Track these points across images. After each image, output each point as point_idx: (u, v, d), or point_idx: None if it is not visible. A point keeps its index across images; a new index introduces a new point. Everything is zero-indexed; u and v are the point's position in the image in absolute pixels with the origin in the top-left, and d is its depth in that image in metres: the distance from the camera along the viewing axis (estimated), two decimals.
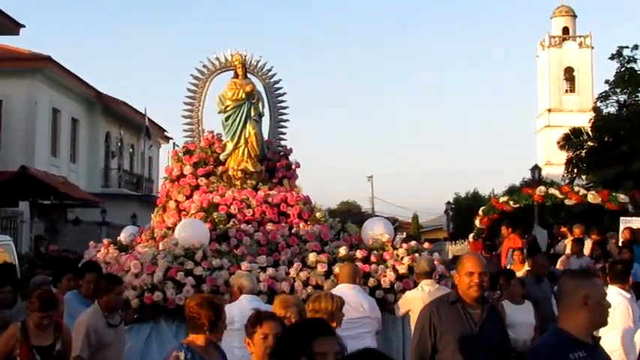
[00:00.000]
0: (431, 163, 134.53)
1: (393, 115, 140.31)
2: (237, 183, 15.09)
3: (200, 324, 6.89)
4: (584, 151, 39.15)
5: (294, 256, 13.03)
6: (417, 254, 13.27)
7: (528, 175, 41.21)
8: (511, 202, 24.25)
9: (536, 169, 39.11)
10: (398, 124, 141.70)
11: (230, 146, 15.38)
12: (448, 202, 56.07)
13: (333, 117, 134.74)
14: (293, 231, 13.63)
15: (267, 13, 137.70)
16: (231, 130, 15.37)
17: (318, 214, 14.46)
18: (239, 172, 15.23)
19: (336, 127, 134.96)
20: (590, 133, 38.79)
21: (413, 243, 13.89)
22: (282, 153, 16.40)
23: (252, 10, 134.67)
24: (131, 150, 50.93)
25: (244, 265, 11.95)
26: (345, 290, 10.36)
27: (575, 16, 76.90)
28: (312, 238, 13.33)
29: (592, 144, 38.83)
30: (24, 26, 30.94)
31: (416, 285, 11.83)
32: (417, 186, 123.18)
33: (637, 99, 38.07)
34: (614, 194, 22.92)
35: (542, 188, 24.64)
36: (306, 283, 12.37)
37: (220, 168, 15.51)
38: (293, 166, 16.27)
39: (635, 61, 37.87)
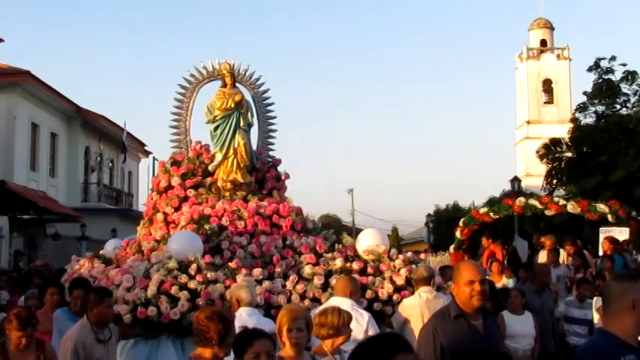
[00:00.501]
0: (411, 175, 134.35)
1: (373, 128, 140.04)
2: (227, 194, 14.59)
3: (208, 337, 6.54)
4: (563, 162, 38.90)
5: (288, 269, 12.54)
6: (413, 265, 12.78)
7: (508, 187, 41.06)
8: (491, 213, 24.20)
9: (515, 180, 38.92)
10: (378, 136, 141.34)
11: (219, 157, 14.90)
12: (428, 214, 55.70)
13: (314, 130, 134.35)
14: (287, 243, 13.09)
15: (249, 28, 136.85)
16: (220, 140, 14.90)
17: (311, 226, 13.97)
18: (228, 184, 14.75)
19: (316, 140, 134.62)
20: (568, 143, 38.50)
21: (409, 254, 13.45)
22: (270, 164, 15.91)
23: (234, 25, 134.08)
24: (111, 164, 50.31)
25: (240, 278, 11.41)
26: (338, 304, 9.93)
27: (552, 29, 77.06)
28: (307, 250, 12.82)
29: (571, 155, 38.66)
30: (2, 40, 30.43)
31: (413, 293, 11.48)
32: (398, 198, 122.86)
33: (615, 110, 38.14)
34: (593, 204, 22.83)
35: (522, 199, 24.51)
36: (303, 296, 11.87)
37: (209, 179, 14.98)
38: (282, 177, 15.77)
39: (612, 72, 37.94)
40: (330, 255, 12.87)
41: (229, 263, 12.02)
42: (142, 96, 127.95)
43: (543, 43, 75.73)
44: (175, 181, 14.65)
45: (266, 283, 11.67)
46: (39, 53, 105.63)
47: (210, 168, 15.03)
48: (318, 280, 11.97)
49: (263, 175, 15.61)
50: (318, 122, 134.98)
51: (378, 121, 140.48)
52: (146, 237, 14.44)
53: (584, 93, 39.13)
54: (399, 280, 12.37)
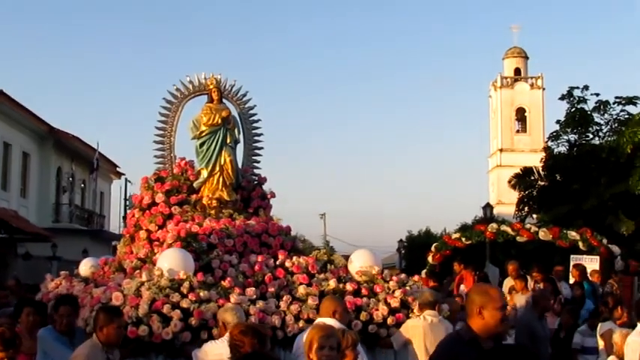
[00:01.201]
0: (383, 201, 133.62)
1: (346, 153, 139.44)
2: (212, 212, 13.97)
3: (244, 352, 6.42)
4: (535, 190, 38.61)
5: (281, 289, 11.88)
6: (407, 287, 12.22)
7: (480, 214, 40.72)
8: (463, 239, 23.88)
9: (487, 207, 38.74)
10: (351, 162, 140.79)
11: (205, 174, 14.26)
12: (400, 240, 55.30)
13: (286, 154, 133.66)
14: (277, 262, 12.43)
15: (224, 45, 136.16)
16: (206, 156, 14.29)
17: (301, 246, 13.34)
18: (214, 201, 14.13)
19: (289, 163, 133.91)
20: (541, 172, 38.21)
21: (402, 276, 12.87)
22: (256, 182, 15.30)
23: (209, 45, 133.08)
24: (82, 185, 49.38)
25: (233, 297, 10.75)
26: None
27: (526, 58, 77.44)
28: (299, 270, 12.17)
29: (543, 183, 38.34)
30: None
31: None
32: (370, 224, 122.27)
33: (587, 139, 37.91)
34: (564, 232, 22.56)
35: (494, 225, 24.20)
36: (297, 317, 11.21)
37: (194, 196, 14.35)
38: (268, 196, 15.17)
39: (585, 101, 37.72)
40: (322, 275, 12.27)
41: (222, 282, 11.29)
42: (116, 116, 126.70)
43: (517, 71, 76.22)
44: (159, 197, 14.00)
45: (260, 303, 11.00)
46: (12, 72, 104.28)
47: (195, 185, 14.43)
48: (312, 301, 11.30)
49: (248, 194, 15.04)
50: (292, 145, 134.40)
51: (351, 146, 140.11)
52: (127, 255, 13.80)
53: (557, 122, 39.00)
54: (394, 302, 11.79)
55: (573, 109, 37.70)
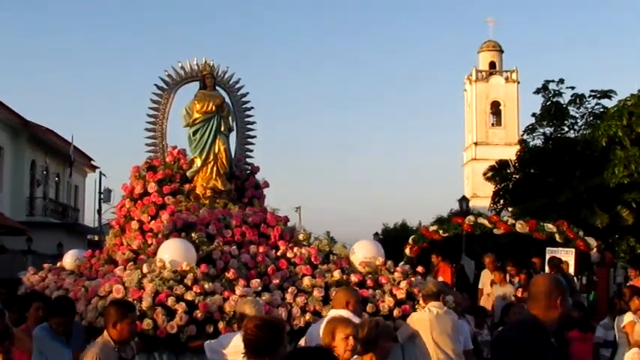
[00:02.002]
0: (359, 194, 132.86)
1: (322, 146, 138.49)
2: (206, 202, 13.30)
3: (259, 348, 5.93)
4: (510, 184, 38.29)
5: (283, 281, 11.30)
6: (412, 278, 11.66)
7: (455, 207, 40.32)
8: (440, 231, 23.34)
9: (464, 200, 38.28)
10: (326, 155, 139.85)
11: (198, 162, 13.59)
12: (376, 233, 54.73)
13: (260, 147, 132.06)
14: (279, 253, 11.81)
15: (207, 34, 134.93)
16: (200, 145, 13.67)
17: (301, 236, 12.73)
18: (208, 191, 13.46)
19: (264, 156, 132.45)
20: (516, 165, 37.82)
21: (407, 267, 12.27)
22: (249, 171, 14.67)
23: (188, 33, 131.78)
24: (57, 179, 48.35)
25: (239, 289, 10.11)
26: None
27: (501, 51, 77.34)
28: (302, 261, 11.55)
29: (518, 176, 38.03)
30: None
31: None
32: (345, 217, 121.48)
33: (562, 132, 37.69)
34: (541, 224, 22.12)
35: (471, 217, 23.73)
36: (303, 309, 10.66)
37: (187, 186, 13.68)
38: (262, 185, 14.53)
39: (560, 94, 37.39)
40: (325, 267, 11.67)
41: (226, 274, 10.62)
42: (91, 109, 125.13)
43: (492, 65, 76.05)
44: (152, 187, 13.33)
45: (266, 296, 10.41)
46: None
47: (188, 174, 13.80)
48: (318, 293, 10.75)
49: (242, 183, 14.46)
50: (266, 137, 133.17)
51: (327, 139, 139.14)
52: (117, 247, 13.13)
53: (533, 115, 38.71)
54: (400, 294, 11.29)
55: (549, 102, 37.40)
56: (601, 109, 36.91)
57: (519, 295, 16.55)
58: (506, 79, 74.92)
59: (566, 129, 37.76)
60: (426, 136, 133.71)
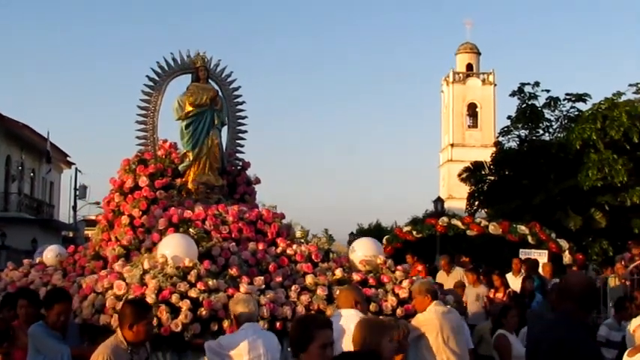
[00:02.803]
0: (334, 194, 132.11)
1: (296, 147, 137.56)
2: (198, 198, 12.73)
3: (291, 345, 5.75)
4: (485, 185, 38.23)
5: (284, 278, 10.92)
6: (413, 277, 11.25)
7: (431, 208, 40.06)
8: (414, 232, 23.24)
9: (438, 201, 38.09)
10: (301, 155, 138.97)
11: (191, 157, 13.03)
12: (351, 233, 54.23)
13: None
14: (278, 250, 11.33)
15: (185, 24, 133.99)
16: (193, 139, 13.19)
17: (298, 233, 12.23)
18: (201, 186, 12.88)
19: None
20: (491, 167, 37.69)
21: (406, 265, 11.89)
22: (239, 167, 14.14)
23: (169, 28, 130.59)
24: (32, 174, 47.51)
25: (243, 287, 9.64)
26: (346, 316, 8.49)
27: (479, 54, 77.16)
28: (303, 259, 11.07)
29: (493, 178, 37.97)
30: None
31: None
32: (320, 218, 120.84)
33: (537, 135, 37.76)
34: (514, 226, 22.21)
35: (444, 219, 23.79)
36: (307, 308, 10.25)
37: (178, 180, 13.12)
38: (253, 182, 14.00)
39: (535, 97, 37.47)
40: (325, 265, 11.25)
41: (229, 271, 10.09)
42: (68, 105, 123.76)
43: (469, 67, 76.00)
44: (143, 181, 12.79)
45: (270, 294, 9.99)
46: None
47: (180, 168, 13.30)
48: (322, 292, 10.37)
49: (233, 179, 14.01)
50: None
51: (302, 139, 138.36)
52: (105, 242, 12.56)
53: (508, 117, 38.86)
54: (403, 293, 10.92)
55: (524, 105, 37.55)
56: (575, 113, 37.07)
57: (491, 295, 16.54)
58: (483, 81, 74.94)
59: (541, 132, 37.89)
60: (403, 137, 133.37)
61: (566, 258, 21.03)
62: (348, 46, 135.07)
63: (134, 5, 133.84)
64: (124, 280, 9.70)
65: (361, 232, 54.81)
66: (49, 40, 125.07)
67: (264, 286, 10.18)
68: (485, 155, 40.92)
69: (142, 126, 13.53)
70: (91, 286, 9.99)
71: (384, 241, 23.33)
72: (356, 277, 11.03)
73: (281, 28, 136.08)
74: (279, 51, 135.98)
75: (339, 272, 10.97)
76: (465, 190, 41.17)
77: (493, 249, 29.23)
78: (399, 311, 10.74)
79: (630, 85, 36.50)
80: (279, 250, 11.50)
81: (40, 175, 47.52)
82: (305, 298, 10.24)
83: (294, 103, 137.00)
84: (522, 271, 18.13)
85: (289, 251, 11.45)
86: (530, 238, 21.57)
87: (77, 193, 48.67)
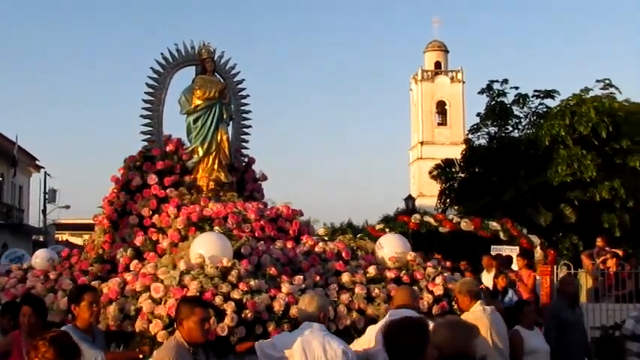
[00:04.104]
0: (304, 192, 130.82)
1: (266, 144, 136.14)
2: (210, 195, 11.91)
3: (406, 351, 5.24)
4: (455, 182, 37.99)
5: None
6: (445, 274, 10.58)
7: (401, 206, 39.54)
8: (387, 230, 22.37)
9: (409, 199, 37.58)
10: (271, 153, 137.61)
11: (200, 152, 12.16)
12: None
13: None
14: (305, 248, 10.75)
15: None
16: (201, 134, 12.44)
17: (321, 230, 11.50)
18: (212, 183, 12.01)
19: None
20: (461, 164, 37.38)
21: (434, 262, 11.14)
22: (245, 163, 13.34)
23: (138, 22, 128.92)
24: (1, 179, 46.07)
25: (285, 287, 8.91)
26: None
27: (447, 51, 76.85)
28: (333, 257, 10.40)
29: (463, 175, 37.73)
30: None
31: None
32: None
33: (507, 132, 37.63)
34: (486, 222, 21.65)
35: (417, 216, 23.11)
36: (348, 308, 9.58)
37: (187, 177, 12.24)
38: (260, 178, 13.21)
39: (504, 94, 37.25)
40: (354, 262, 10.47)
41: (268, 270, 9.29)
42: (36, 110, 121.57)
43: (438, 65, 75.81)
44: (152, 178, 11.93)
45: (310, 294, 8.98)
46: None
47: (188, 165, 12.40)
48: (360, 290, 9.65)
49: (241, 176, 13.16)
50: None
51: (271, 137, 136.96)
52: (108, 244, 11.73)
53: (478, 115, 38.69)
54: (437, 290, 10.30)
55: (493, 102, 37.42)
56: (544, 109, 36.99)
57: None
58: (452, 79, 74.86)
59: (511, 128, 37.76)
60: (373, 136, 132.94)
61: (538, 254, 20.77)
62: (316, 45, 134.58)
63: (100, 5, 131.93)
64: (161, 282, 8.78)
65: (332, 231, 54.17)
66: (16, 43, 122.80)
67: (303, 286, 9.35)
68: (455, 153, 40.67)
69: (147, 120, 12.73)
70: (117, 290, 9.09)
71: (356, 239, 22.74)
72: (389, 274, 10.45)
73: (249, 27, 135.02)
74: (249, 48, 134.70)
75: (372, 270, 10.28)
76: (435, 187, 40.95)
77: (465, 246, 28.80)
78: (435, 308, 10.21)
79: (597, 81, 36.34)
80: (305, 248, 10.72)
81: (9, 179, 46.12)
82: (345, 297, 9.61)
83: (263, 101, 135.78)
84: (494, 267, 17.75)
85: (317, 249, 10.80)
86: (501, 234, 21.19)
87: (47, 196, 47.52)
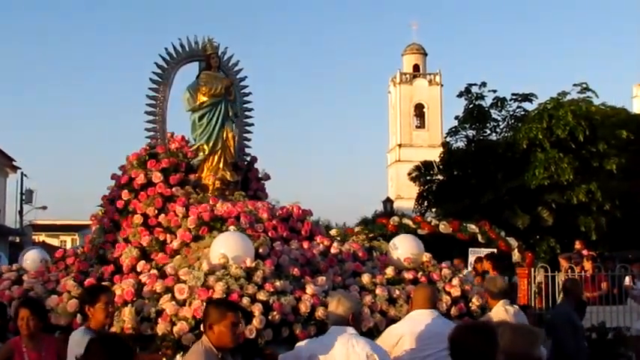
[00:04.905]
0: (283, 194, 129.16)
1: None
2: (216, 194, 11.49)
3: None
4: (434, 185, 37.85)
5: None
6: (460, 274, 10.47)
7: (380, 209, 39.36)
8: (365, 232, 22.12)
9: (388, 201, 37.50)
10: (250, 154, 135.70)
11: (206, 150, 11.77)
12: None
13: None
14: (320, 249, 10.40)
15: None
16: (207, 131, 11.97)
17: (334, 231, 11.19)
18: (217, 182, 11.62)
19: None
20: (440, 167, 37.37)
21: (448, 263, 10.87)
22: (247, 162, 12.95)
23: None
24: None
25: (310, 288, 8.64)
26: (424, 317, 7.78)
27: (425, 54, 76.96)
28: (349, 257, 10.15)
29: (441, 178, 37.54)
30: None
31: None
32: None
33: (485, 135, 37.90)
34: (464, 225, 21.59)
35: (395, 218, 23.06)
36: (371, 309, 9.25)
37: (192, 176, 11.83)
38: (263, 178, 12.87)
39: (482, 98, 37.58)
40: (370, 264, 10.36)
41: (291, 271, 8.95)
42: (12, 110, 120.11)
43: (416, 68, 75.82)
44: (157, 176, 11.44)
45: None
46: None
47: (193, 163, 11.95)
48: (381, 292, 9.35)
49: (244, 174, 12.66)
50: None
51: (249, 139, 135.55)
52: (108, 245, 11.28)
53: (456, 118, 38.93)
54: (455, 292, 10.01)
55: (471, 105, 37.57)
56: (522, 112, 37.30)
57: None
58: (430, 81, 75.04)
59: (489, 131, 38.05)
60: (351, 138, 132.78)
61: (516, 256, 20.70)
62: (296, 48, 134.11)
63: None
64: (184, 282, 8.38)
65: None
66: None
67: (326, 287, 8.99)
68: (433, 155, 40.75)
69: (151, 117, 12.22)
70: (132, 292, 8.68)
71: None
72: (407, 275, 10.16)
73: (229, 34, 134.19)
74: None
75: (390, 271, 9.99)
76: (413, 190, 40.88)
77: (443, 248, 28.64)
78: (453, 310, 9.90)
79: (575, 84, 36.72)
80: (321, 248, 10.37)
81: None
82: (368, 298, 9.29)
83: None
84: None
85: (333, 250, 10.45)
86: (480, 237, 21.13)
87: (23, 197, 46.76)
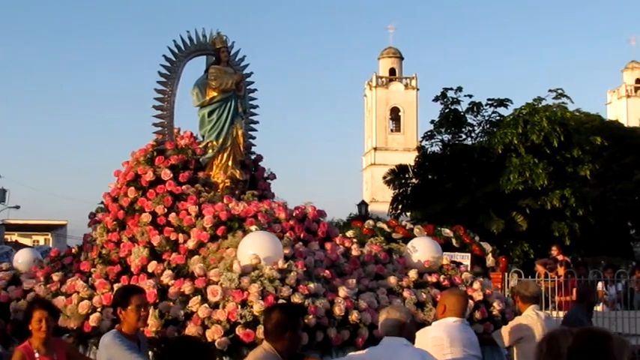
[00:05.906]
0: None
1: None
2: (226, 193, 11.09)
3: None
4: (409, 189, 37.60)
5: (359, 281, 9.48)
6: (480, 278, 10.15)
7: (355, 211, 39.03)
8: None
9: (363, 204, 37.19)
10: None
11: (216, 147, 11.38)
12: None
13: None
14: (340, 251, 10.00)
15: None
16: (216, 128, 11.59)
17: (350, 232, 10.83)
18: (227, 180, 11.23)
19: None
20: (415, 170, 37.16)
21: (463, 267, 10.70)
22: (252, 160, 12.53)
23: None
24: None
25: (343, 290, 8.25)
26: (459, 324, 7.46)
27: (401, 58, 76.58)
28: (371, 259, 9.82)
29: (416, 181, 37.37)
30: None
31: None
32: None
33: (460, 139, 37.66)
34: (439, 229, 21.18)
35: (370, 222, 22.45)
36: None
37: (201, 174, 11.38)
38: (270, 177, 12.51)
39: (458, 102, 37.31)
40: (391, 266, 9.99)
41: (321, 273, 8.61)
42: None
43: (392, 71, 75.53)
44: (166, 174, 10.94)
45: (368, 298, 8.43)
46: None
47: (202, 160, 11.50)
48: (409, 295, 8.99)
49: (251, 173, 12.20)
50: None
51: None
52: (113, 244, 10.75)
53: (432, 122, 38.61)
54: (477, 296, 9.78)
55: (447, 109, 37.44)
56: (497, 118, 37.13)
57: None
58: (406, 85, 74.91)
59: (464, 136, 37.87)
60: (326, 141, 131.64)
61: (489, 261, 20.60)
62: (272, 51, 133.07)
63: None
64: (215, 283, 8.00)
65: None
66: None
67: (357, 290, 8.67)
68: (409, 159, 40.51)
69: (159, 112, 11.76)
70: (155, 293, 8.27)
71: None
72: (431, 278, 9.89)
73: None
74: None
75: (413, 274, 9.66)
76: (388, 193, 40.60)
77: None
78: (476, 314, 9.64)
79: (550, 90, 36.69)
80: (341, 250, 10.01)
81: None
82: (398, 302, 8.87)
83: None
84: None
85: (354, 252, 10.10)
86: (454, 241, 20.85)
87: None
